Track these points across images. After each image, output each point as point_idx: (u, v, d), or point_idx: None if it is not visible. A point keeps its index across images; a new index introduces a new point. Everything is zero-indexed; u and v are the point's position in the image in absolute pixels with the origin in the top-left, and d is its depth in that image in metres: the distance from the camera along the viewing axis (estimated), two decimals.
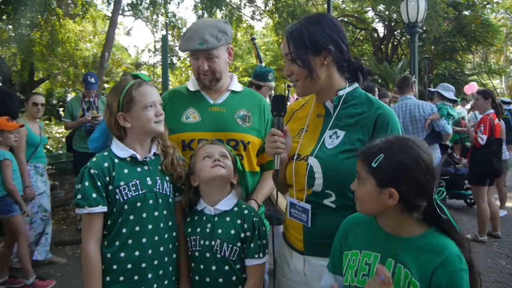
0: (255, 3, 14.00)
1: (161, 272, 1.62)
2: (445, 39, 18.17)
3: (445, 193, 1.23)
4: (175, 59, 14.68)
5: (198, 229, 1.65)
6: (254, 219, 1.65)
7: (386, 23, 21.16)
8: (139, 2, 12.38)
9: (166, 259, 1.64)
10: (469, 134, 5.93)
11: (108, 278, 1.55)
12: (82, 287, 1.58)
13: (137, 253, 1.56)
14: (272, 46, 21.97)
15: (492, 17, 20.54)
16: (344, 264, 1.33)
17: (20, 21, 10.48)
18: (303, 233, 1.54)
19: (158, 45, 16.80)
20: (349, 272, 1.29)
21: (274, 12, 13.72)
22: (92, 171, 1.54)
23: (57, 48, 12.64)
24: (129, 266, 1.55)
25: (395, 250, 1.22)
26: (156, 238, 1.60)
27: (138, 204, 1.57)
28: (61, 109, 12.79)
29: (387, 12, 18.75)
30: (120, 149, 1.62)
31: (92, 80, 5.32)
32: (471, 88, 11.87)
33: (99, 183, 1.53)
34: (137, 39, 43.31)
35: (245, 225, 1.62)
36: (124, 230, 1.56)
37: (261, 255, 1.62)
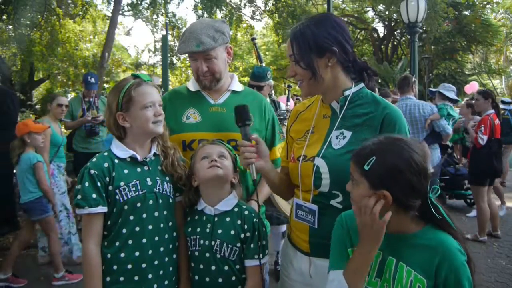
0: (255, 3, 14.01)
1: (161, 272, 1.62)
2: (445, 39, 18.15)
3: (439, 191, 1.24)
4: (175, 59, 14.68)
5: (198, 229, 1.66)
6: (254, 220, 1.65)
7: (386, 23, 21.16)
8: (139, 2, 12.39)
9: (166, 259, 1.64)
10: (469, 134, 5.93)
11: (108, 279, 1.55)
12: None
13: (137, 253, 1.56)
14: (272, 46, 21.96)
15: (492, 17, 20.52)
16: None
17: (20, 21, 10.48)
18: (309, 234, 1.53)
19: (158, 45, 16.80)
20: None
21: (274, 12, 13.72)
22: (92, 171, 1.54)
23: (57, 48, 12.63)
24: (129, 266, 1.55)
25: (395, 248, 1.23)
26: (156, 238, 1.60)
27: (138, 204, 1.57)
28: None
29: (387, 12, 18.76)
30: (120, 150, 1.62)
31: (92, 80, 5.32)
32: (472, 87, 11.88)
33: (99, 184, 1.53)
34: (137, 39, 43.27)
35: (245, 226, 1.62)
36: (124, 231, 1.56)
37: (261, 256, 1.62)
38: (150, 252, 1.59)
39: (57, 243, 3.89)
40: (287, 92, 5.76)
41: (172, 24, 13.59)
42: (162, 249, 1.62)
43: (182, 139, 1.88)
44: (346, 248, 1.32)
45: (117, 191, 1.55)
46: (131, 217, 1.57)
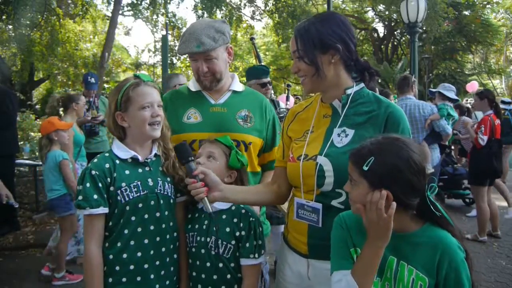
0: (255, 3, 14.00)
1: (162, 272, 1.62)
2: (445, 39, 18.16)
3: (437, 189, 1.25)
4: (175, 59, 14.68)
5: (196, 226, 1.67)
6: (251, 219, 1.65)
7: (386, 23, 21.17)
8: (139, 2, 12.38)
9: (167, 259, 1.64)
10: (469, 135, 5.93)
11: (110, 280, 1.55)
12: None
13: (139, 254, 1.56)
14: (272, 46, 21.96)
15: (492, 17, 20.53)
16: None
17: (20, 21, 10.47)
18: (308, 235, 1.52)
19: (158, 45, 16.81)
20: None
21: (274, 12, 13.71)
22: (93, 172, 1.53)
23: (57, 48, 12.63)
24: (132, 267, 1.55)
25: (395, 247, 1.24)
26: (158, 238, 1.61)
27: (140, 205, 1.57)
28: (61, 109, 12.78)
29: (387, 12, 18.78)
30: (121, 150, 1.62)
31: (92, 80, 5.32)
32: (472, 86, 11.91)
33: (100, 184, 1.53)
34: (137, 39, 43.35)
35: (241, 224, 1.62)
36: (126, 231, 1.56)
37: (256, 255, 1.61)
38: (151, 252, 1.58)
39: (66, 244, 3.90)
40: (286, 91, 5.75)
41: (172, 24, 13.59)
42: (163, 249, 1.62)
43: (182, 140, 1.87)
44: (348, 248, 1.32)
45: (119, 192, 1.55)
46: (133, 218, 1.56)
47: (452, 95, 5.25)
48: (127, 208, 1.55)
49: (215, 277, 1.60)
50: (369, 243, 1.20)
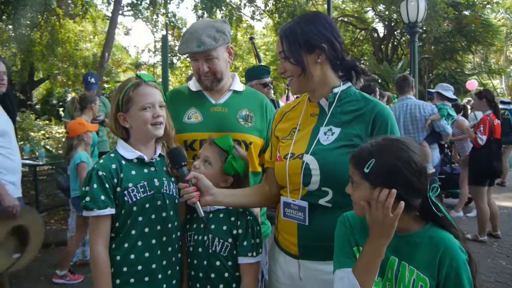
0: (255, 3, 13.99)
1: (169, 272, 1.62)
2: (445, 39, 18.16)
3: (439, 189, 1.25)
4: (175, 59, 14.68)
5: (194, 225, 1.67)
6: (248, 217, 1.65)
7: (386, 23, 21.16)
8: (139, 2, 12.38)
9: (173, 259, 1.64)
10: (468, 135, 5.94)
11: (118, 281, 1.54)
12: None
13: (147, 254, 1.56)
14: (272, 46, 21.94)
15: (492, 17, 20.53)
16: None
17: (20, 21, 10.48)
18: (298, 236, 1.52)
19: (158, 45, 16.80)
20: None
21: (274, 12, 13.71)
22: (100, 173, 1.53)
23: (57, 48, 12.64)
24: (140, 267, 1.55)
25: (397, 248, 1.24)
26: (164, 238, 1.61)
27: (147, 205, 1.57)
28: (61, 109, 12.79)
29: (387, 12, 18.77)
30: (126, 151, 1.61)
31: (92, 80, 5.32)
32: (472, 84, 11.93)
33: (107, 185, 1.52)
34: (137, 39, 43.26)
35: (238, 222, 1.63)
36: (133, 232, 1.55)
37: (254, 254, 1.61)
38: (159, 252, 1.59)
39: (78, 244, 3.94)
40: (286, 91, 5.75)
41: (172, 24, 13.59)
42: (170, 249, 1.63)
43: (183, 139, 1.88)
44: (351, 246, 1.32)
45: (126, 192, 1.54)
46: (140, 218, 1.56)
47: (450, 94, 5.27)
48: (134, 208, 1.55)
49: (212, 275, 1.60)
50: (372, 241, 1.20)
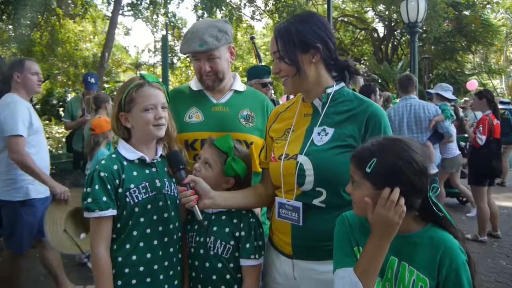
0: (255, 3, 14.01)
1: (171, 272, 1.62)
2: (445, 39, 18.17)
3: (439, 189, 1.25)
4: (175, 59, 14.69)
5: (196, 226, 1.67)
6: (251, 220, 1.65)
7: (386, 23, 21.17)
8: (139, 2, 12.40)
9: (175, 259, 1.64)
10: (468, 135, 5.95)
11: (119, 282, 1.53)
12: None
13: (148, 255, 1.56)
14: None
15: (492, 17, 20.54)
16: None
17: (20, 21, 10.49)
18: (292, 236, 1.52)
19: (158, 45, 16.80)
20: None
21: (274, 12, 13.73)
22: (102, 174, 1.51)
23: (57, 48, 12.66)
24: (141, 268, 1.55)
25: (397, 248, 1.24)
26: (166, 239, 1.61)
27: (149, 206, 1.57)
28: (61, 109, 12.80)
29: (387, 12, 18.78)
30: (127, 151, 1.61)
31: (92, 80, 5.32)
32: (472, 84, 11.92)
33: (109, 186, 1.51)
34: (137, 39, 43.32)
35: (241, 225, 1.62)
36: (135, 233, 1.55)
37: (256, 256, 1.61)
38: (160, 253, 1.58)
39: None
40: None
41: (172, 24, 13.61)
42: (171, 249, 1.63)
43: (184, 139, 1.88)
44: (351, 246, 1.32)
45: (127, 193, 1.54)
46: (142, 219, 1.56)
47: (449, 95, 5.29)
48: (136, 209, 1.54)
49: (214, 277, 1.60)
50: (374, 240, 1.19)
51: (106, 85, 15.36)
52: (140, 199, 1.55)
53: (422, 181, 1.19)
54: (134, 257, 1.54)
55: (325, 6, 12.03)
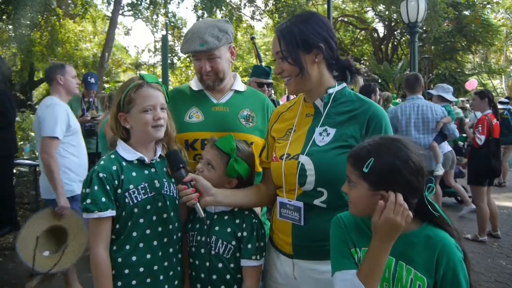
0: (255, 3, 14.01)
1: (171, 273, 1.62)
2: (445, 39, 18.18)
3: (434, 189, 1.25)
4: (175, 59, 14.70)
5: (197, 225, 1.66)
6: (254, 220, 1.65)
7: (386, 23, 21.18)
8: (139, 2, 12.40)
9: (174, 260, 1.64)
10: (467, 135, 5.97)
11: (119, 283, 1.53)
12: None
13: (148, 256, 1.55)
14: None
15: (492, 17, 20.55)
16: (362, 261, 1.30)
17: (20, 21, 10.50)
18: (292, 236, 1.52)
19: (158, 45, 16.81)
20: None
21: (274, 12, 13.74)
22: (101, 174, 1.51)
23: (57, 48, 12.67)
24: (141, 269, 1.54)
25: (394, 248, 1.23)
26: (166, 240, 1.60)
27: (148, 207, 1.57)
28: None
29: (387, 12, 18.78)
30: (126, 152, 1.60)
31: (92, 80, 5.33)
32: (471, 84, 11.90)
33: (108, 187, 1.50)
34: (137, 39, 43.36)
35: (243, 225, 1.62)
36: (134, 234, 1.54)
37: (258, 257, 1.61)
38: (160, 253, 1.58)
39: None
40: (287, 91, 5.75)
41: (172, 24, 13.62)
42: (171, 250, 1.62)
43: (184, 139, 1.88)
44: (348, 247, 1.31)
45: (127, 194, 1.53)
46: (141, 220, 1.55)
47: (450, 96, 5.31)
48: (136, 210, 1.54)
49: (214, 277, 1.60)
50: (378, 243, 1.18)
51: (106, 85, 15.36)
52: (139, 199, 1.54)
53: (419, 181, 1.19)
54: (134, 258, 1.54)
55: (325, 6, 12.03)
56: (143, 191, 1.56)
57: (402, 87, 14.74)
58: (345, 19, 22.53)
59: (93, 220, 1.51)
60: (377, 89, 5.15)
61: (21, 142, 8.14)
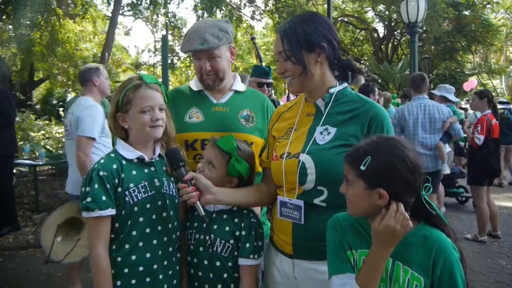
0: (255, 3, 14.02)
1: (170, 272, 1.62)
2: (445, 39, 18.17)
3: (432, 189, 1.25)
4: (175, 59, 14.70)
5: (196, 224, 1.67)
6: (252, 220, 1.65)
7: (386, 23, 21.17)
8: (139, 2, 12.40)
9: (174, 259, 1.65)
10: (466, 135, 5.97)
11: (119, 282, 1.53)
12: None
13: (148, 255, 1.55)
14: (272, 46, 21.95)
15: (492, 17, 20.55)
16: (359, 263, 1.30)
17: (20, 21, 10.50)
18: (292, 236, 1.53)
19: (158, 45, 16.81)
20: None
21: (274, 12, 13.74)
22: (101, 173, 1.51)
23: (57, 48, 12.66)
24: (141, 268, 1.54)
25: None
26: (165, 239, 1.61)
27: (148, 205, 1.57)
28: (61, 109, 12.79)
29: (387, 12, 18.78)
30: (126, 150, 1.60)
31: None
32: (471, 84, 11.88)
33: (108, 185, 1.50)
34: (137, 39, 43.38)
35: (242, 224, 1.63)
36: (134, 233, 1.54)
37: (256, 256, 1.61)
38: (160, 252, 1.58)
39: None
40: (286, 91, 5.76)
41: (172, 24, 13.62)
42: (170, 249, 1.63)
43: (184, 139, 1.88)
44: (345, 250, 1.32)
45: (127, 192, 1.53)
46: (141, 219, 1.55)
47: (452, 97, 5.33)
48: (135, 209, 1.54)
49: (211, 275, 1.60)
50: (378, 249, 1.19)
51: None
52: (139, 198, 1.55)
53: (416, 179, 1.19)
54: (133, 257, 1.54)
55: (325, 6, 12.03)
56: (143, 190, 1.56)
57: (402, 87, 14.75)
58: (345, 19, 22.53)
59: (93, 219, 1.51)
60: (376, 89, 5.14)
61: (21, 142, 8.15)
